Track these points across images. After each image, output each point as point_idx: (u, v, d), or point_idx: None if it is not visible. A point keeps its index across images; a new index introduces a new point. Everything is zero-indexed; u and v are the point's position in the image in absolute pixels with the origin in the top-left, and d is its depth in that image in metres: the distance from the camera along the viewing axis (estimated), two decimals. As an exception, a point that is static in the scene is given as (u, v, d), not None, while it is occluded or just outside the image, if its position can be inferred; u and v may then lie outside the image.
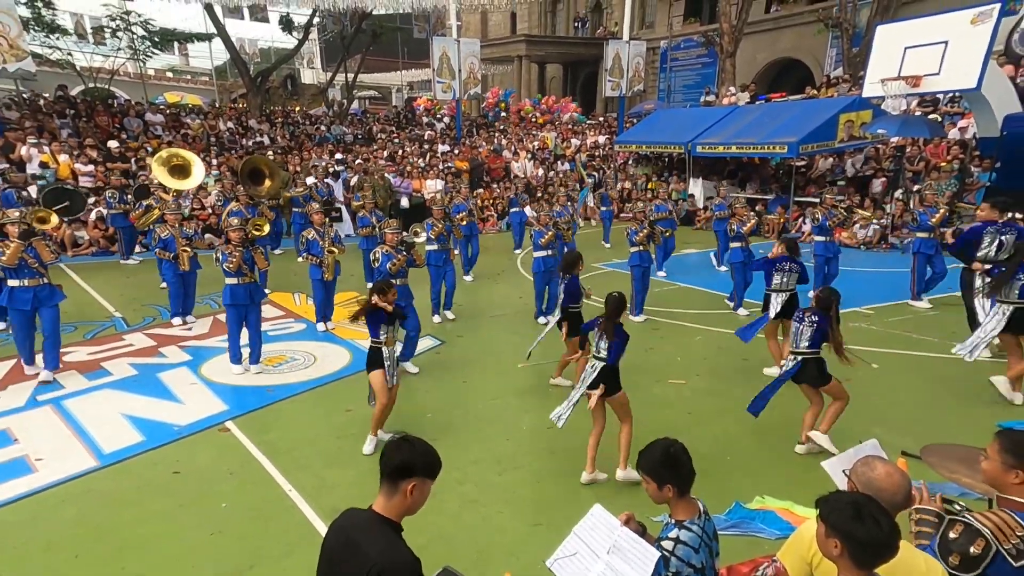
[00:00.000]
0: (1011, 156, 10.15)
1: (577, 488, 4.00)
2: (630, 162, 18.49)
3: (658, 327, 7.44)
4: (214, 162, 14.60)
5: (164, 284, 8.67)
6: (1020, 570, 1.68)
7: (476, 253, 10.09)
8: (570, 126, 22.11)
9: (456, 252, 8.56)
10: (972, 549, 1.70)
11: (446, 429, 4.95)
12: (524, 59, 29.04)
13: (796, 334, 4.28)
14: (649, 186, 17.02)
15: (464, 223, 9.44)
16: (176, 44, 24.93)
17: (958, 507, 2.16)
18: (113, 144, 13.75)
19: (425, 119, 23.17)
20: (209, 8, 18.74)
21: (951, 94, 12.54)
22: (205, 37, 22.11)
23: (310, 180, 12.98)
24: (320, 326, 7.56)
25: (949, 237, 6.46)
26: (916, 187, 11.54)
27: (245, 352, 6.21)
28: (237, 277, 5.87)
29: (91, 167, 12.90)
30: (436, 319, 7.70)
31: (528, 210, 12.53)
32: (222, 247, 5.98)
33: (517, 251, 12.16)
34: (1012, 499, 1.78)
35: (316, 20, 23.35)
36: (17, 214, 5.80)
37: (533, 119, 23.58)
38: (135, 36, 20.66)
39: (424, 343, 7.01)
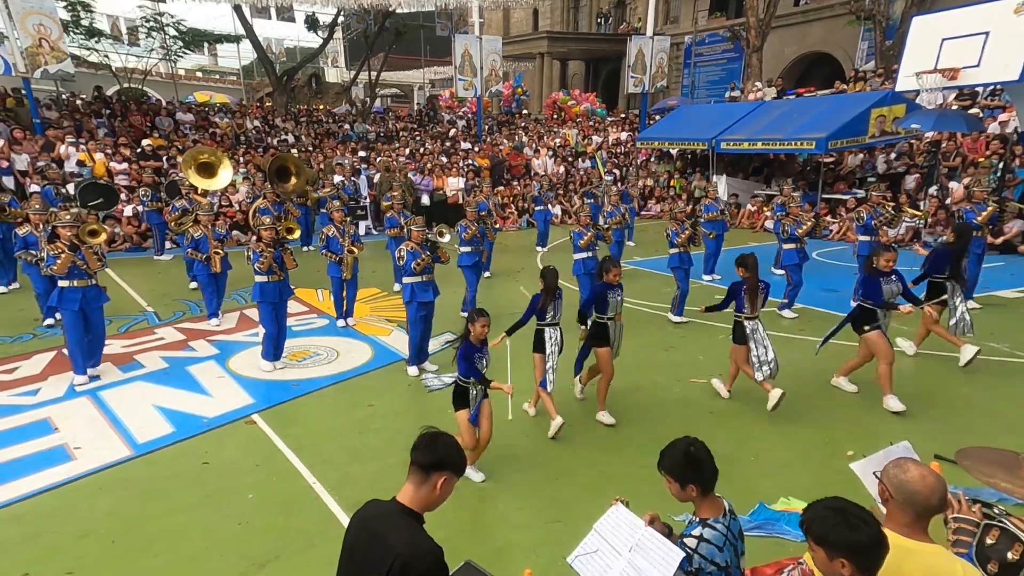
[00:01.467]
0: (1054, 151, 9.76)
1: (596, 486, 3.99)
2: (652, 159, 18.28)
3: (680, 326, 7.35)
4: (241, 160, 14.91)
5: (194, 284, 8.88)
6: None
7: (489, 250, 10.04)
8: (591, 123, 21.97)
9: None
10: (1010, 555, 1.64)
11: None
12: (546, 56, 28.92)
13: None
14: (671, 183, 16.82)
15: (496, 225, 9.39)
16: (206, 44, 25.52)
17: (997, 511, 2.09)
18: (146, 143, 14.16)
19: (447, 117, 23.29)
20: (237, 8, 19.13)
21: (992, 87, 12.08)
22: (234, 39, 22.61)
23: (337, 179, 13.19)
24: (340, 322, 7.65)
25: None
26: (952, 183, 11.17)
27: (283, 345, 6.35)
28: (267, 275, 5.93)
29: (125, 165, 13.31)
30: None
31: (552, 208, 12.48)
32: (253, 246, 6.06)
33: (541, 248, 12.10)
34: None
35: (340, 19, 23.65)
36: (69, 217, 5.77)
37: (569, 106, 23.48)
38: (167, 37, 21.22)
39: (444, 338, 7.07)
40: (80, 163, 12.87)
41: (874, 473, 2.02)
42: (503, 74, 20.54)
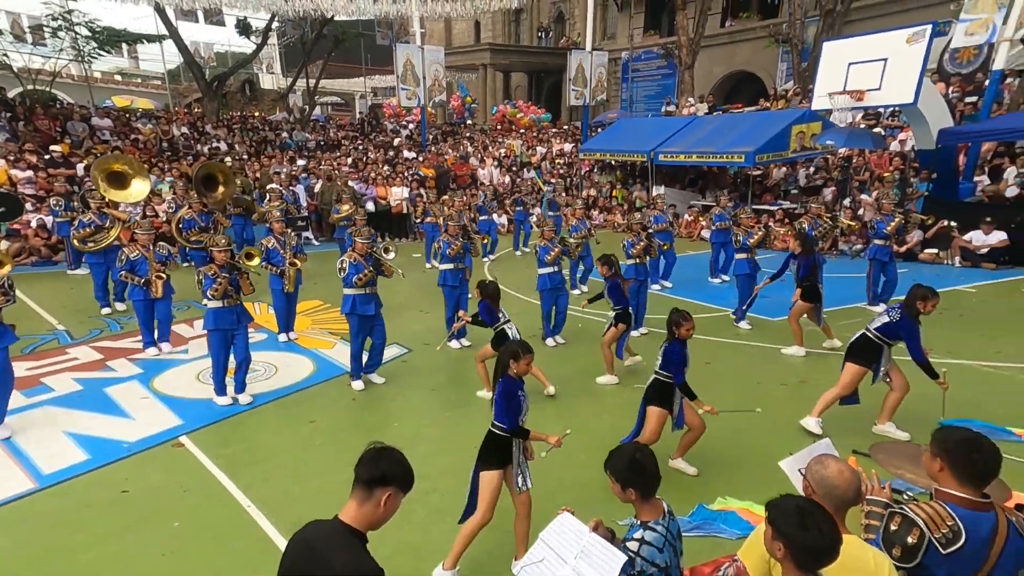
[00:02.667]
0: (945, 168, 10.83)
1: (547, 497, 3.98)
2: (595, 170, 18.79)
3: (652, 335, 7.39)
4: (167, 168, 14.08)
5: (107, 310, 8.18)
6: (949, 557, 1.77)
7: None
8: (535, 133, 22.34)
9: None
10: (909, 539, 1.78)
11: (414, 439, 4.88)
12: (489, 67, 29.20)
13: None
14: (613, 194, 17.34)
15: (484, 241, 8.86)
16: (125, 46, 23.92)
17: (906, 497, 2.27)
18: (55, 149, 13.09)
19: (390, 126, 23.00)
20: (160, 10, 18.08)
21: (891, 108, 13.26)
22: (155, 38, 21.20)
23: (270, 187, 12.68)
24: (282, 336, 7.35)
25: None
26: (863, 196, 12.13)
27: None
28: (223, 300, 5.36)
29: (30, 173, 12.23)
30: (454, 344, 7.03)
31: (497, 217, 12.48)
32: (205, 269, 5.39)
33: (486, 259, 12.06)
34: (946, 491, 1.87)
35: (275, 25, 22.87)
36: None
37: (518, 119, 23.74)
38: (78, 36, 19.71)
39: (391, 351, 6.92)
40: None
41: (799, 470, 2.15)
42: (446, 84, 20.54)
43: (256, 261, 6.59)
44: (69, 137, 14.37)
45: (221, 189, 9.81)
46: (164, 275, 6.66)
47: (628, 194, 16.74)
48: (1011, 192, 10.69)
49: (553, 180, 18.09)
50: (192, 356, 6.78)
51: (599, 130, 20.18)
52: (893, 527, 1.84)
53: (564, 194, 17.25)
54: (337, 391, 5.91)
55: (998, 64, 10.93)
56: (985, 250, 9.80)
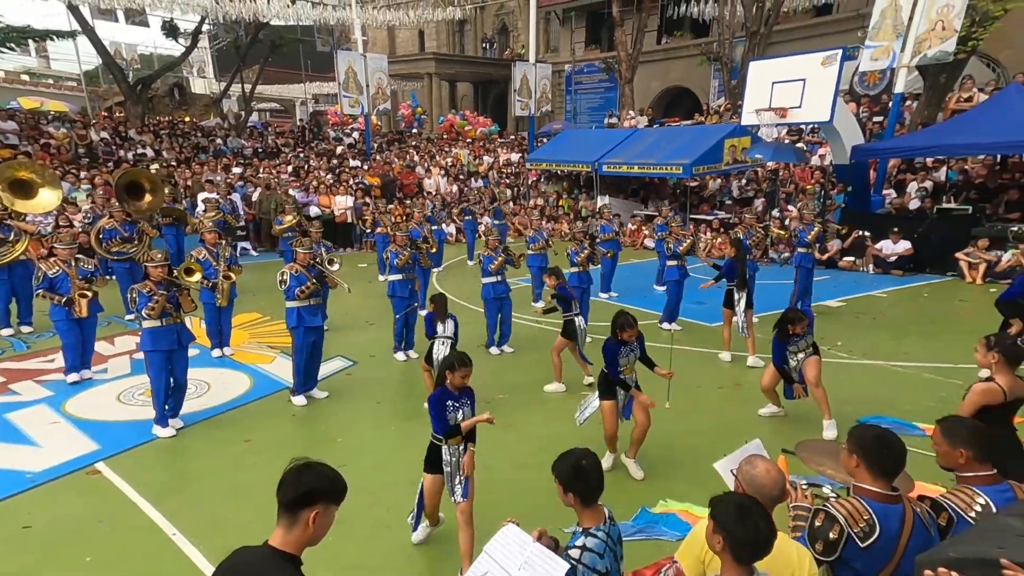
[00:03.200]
0: (858, 181, 11.73)
1: (492, 507, 3.96)
2: (541, 179, 19.07)
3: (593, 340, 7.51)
4: (83, 175, 13.11)
5: (7, 331, 7.54)
6: (867, 550, 1.89)
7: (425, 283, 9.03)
8: (482, 143, 22.45)
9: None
10: (831, 535, 1.90)
11: (358, 452, 4.75)
12: (434, 77, 29.13)
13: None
14: (560, 203, 17.66)
15: (433, 250, 8.45)
16: (32, 43, 22.08)
17: (827, 492, 2.41)
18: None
19: (332, 133, 22.44)
20: (74, 8, 16.81)
21: (811, 125, 14.26)
22: (64, 35, 19.63)
23: (204, 196, 12.06)
24: (215, 352, 6.98)
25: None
26: (789, 207, 12.94)
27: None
28: (161, 319, 4.95)
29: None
30: (400, 356, 6.94)
31: (445, 227, 12.36)
32: (139, 286, 4.97)
33: (436, 269, 11.88)
34: (862, 486, 2.00)
35: (206, 28, 21.84)
36: None
37: (465, 131, 23.72)
38: None
39: (334, 364, 6.70)
40: None
41: (731, 471, 2.24)
42: (391, 92, 20.31)
43: (197, 276, 6.15)
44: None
45: (148, 198, 9.17)
46: (88, 293, 6.04)
47: (574, 203, 17.09)
48: (914, 204, 11.72)
49: (498, 190, 18.23)
50: (112, 376, 6.32)
51: (545, 140, 20.53)
52: (817, 523, 1.95)
53: (512, 203, 17.44)
54: (276, 407, 5.66)
55: (898, 88, 12.02)
56: (894, 258, 10.67)
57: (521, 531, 2.16)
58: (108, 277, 7.65)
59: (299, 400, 5.69)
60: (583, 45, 27.86)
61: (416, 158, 19.59)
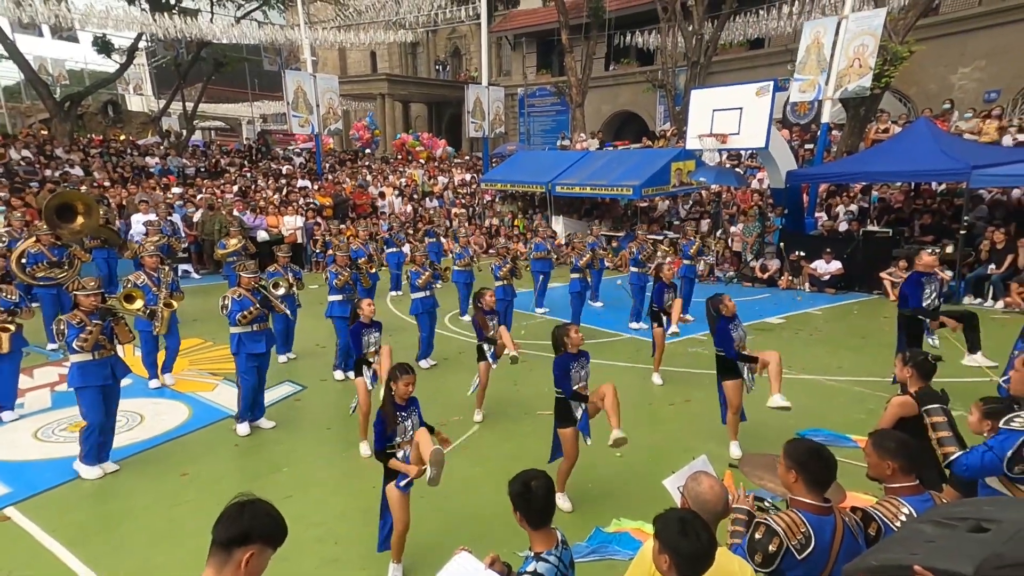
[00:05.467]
0: (793, 204, 12.47)
1: (445, 536, 3.90)
2: (496, 200, 19.26)
3: (527, 360, 7.62)
4: (1, 195, 12.24)
5: None
6: (804, 562, 1.98)
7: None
8: (437, 164, 22.48)
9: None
10: (770, 547, 1.98)
11: (306, 482, 4.57)
12: (387, 97, 29.12)
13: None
14: (515, 223, 17.86)
15: (372, 270, 8.40)
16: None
17: (767, 504, 2.51)
18: None
19: (281, 152, 21.94)
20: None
21: (749, 151, 15.10)
22: None
23: (139, 217, 11.49)
24: (153, 383, 6.60)
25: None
26: (732, 227, 13.58)
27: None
28: (93, 352, 4.58)
29: None
30: (338, 375, 6.90)
31: (403, 249, 12.18)
32: (68, 317, 4.62)
33: (394, 293, 11.59)
34: (799, 499, 2.10)
35: (143, 44, 21.02)
36: None
37: (417, 151, 23.63)
38: None
39: (282, 389, 6.46)
40: None
41: (678, 488, 2.31)
42: (342, 112, 20.12)
43: (139, 303, 5.81)
44: None
45: (80, 220, 8.65)
46: (11, 327, 5.53)
47: (529, 223, 17.32)
48: (842, 227, 12.55)
49: (457, 210, 18.27)
50: (28, 411, 5.86)
51: (499, 161, 20.80)
52: (757, 536, 2.03)
53: (468, 224, 17.48)
54: (217, 437, 5.40)
55: (824, 118, 12.95)
56: (827, 277, 11.35)
57: (473, 558, 2.14)
58: (33, 306, 7.13)
59: (243, 428, 5.45)
60: (535, 69, 28.60)
61: (369, 178, 19.40)
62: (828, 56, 11.93)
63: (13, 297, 5.73)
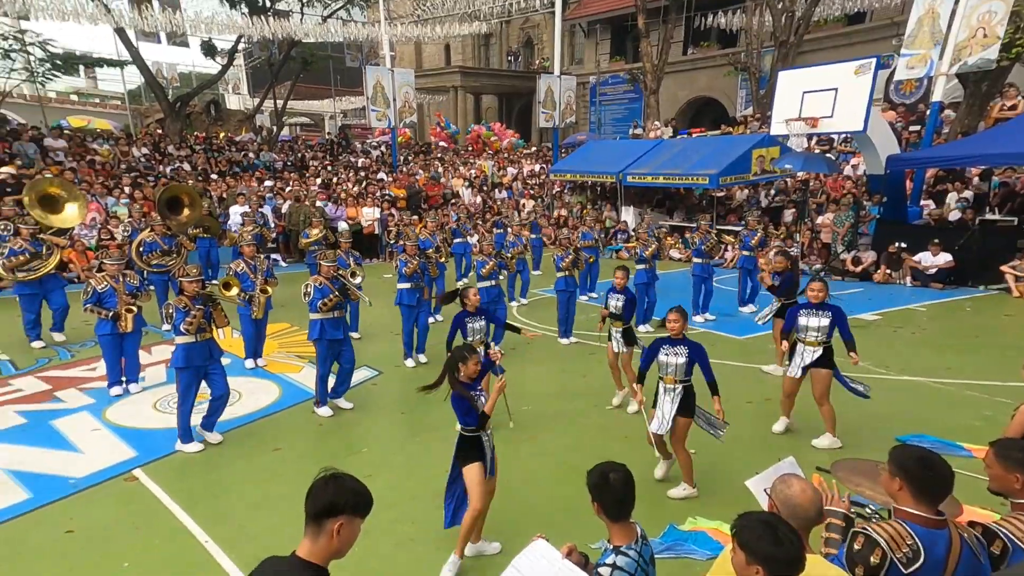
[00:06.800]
0: (894, 192, 11.39)
1: (515, 521, 3.94)
2: (566, 190, 19.08)
3: (594, 351, 7.56)
4: (126, 190, 13.66)
5: (39, 343, 7.66)
6: None
7: (442, 290, 9.34)
8: (506, 155, 22.59)
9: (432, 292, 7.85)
10: (872, 559, 1.81)
11: (382, 465, 4.77)
12: (460, 89, 29.54)
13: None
14: (584, 213, 17.63)
15: (440, 260, 8.66)
16: (82, 67, 23.20)
17: (868, 511, 2.31)
18: (4, 171, 12.53)
19: (360, 146, 22.91)
20: (121, 31, 17.69)
21: (843, 135, 13.92)
22: (114, 63, 20.60)
23: (236, 208, 12.40)
24: (249, 363, 7.12)
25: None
26: (820, 218, 12.62)
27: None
28: (196, 335, 4.93)
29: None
30: (409, 363, 7.11)
31: (471, 239, 12.39)
32: (175, 301, 4.98)
33: (460, 281, 11.78)
34: (904, 509, 1.91)
35: (242, 46, 22.68)
36: None
37: (492, 142, 24.01)
38: (31, 57, 18.98)
39: (360, 374, 6.78)
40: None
41: (764, 490, 2.17)
42: (416, 106, 20.66)
43: (235, 291, 6.27)
44: (19, 159, 13.80)
45: (186, 212, 9.52)
46: (135, 308, 6.12)
47: (598, 214, 17.03)
48: (953, 216, 11.31)
49: (525, 200, 18.28)
50: (149, 384, 6.51)
51: (569, 151, 20.55)
52: (856, 546, 1.87)
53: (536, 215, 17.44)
54: (303, 417, 5.74)
55: (936, 96, 11.64)
56: (933, 271, 10.29)
57: (550, 546, 2.13)
58: (150, 289, 7.93)
59: (324, 411, 5.76)
60: (608, 56, 27.89)
61: (440, 169, 19.83)
62: (944, 27, 10.70)
63: (135, 282, 6.30)
